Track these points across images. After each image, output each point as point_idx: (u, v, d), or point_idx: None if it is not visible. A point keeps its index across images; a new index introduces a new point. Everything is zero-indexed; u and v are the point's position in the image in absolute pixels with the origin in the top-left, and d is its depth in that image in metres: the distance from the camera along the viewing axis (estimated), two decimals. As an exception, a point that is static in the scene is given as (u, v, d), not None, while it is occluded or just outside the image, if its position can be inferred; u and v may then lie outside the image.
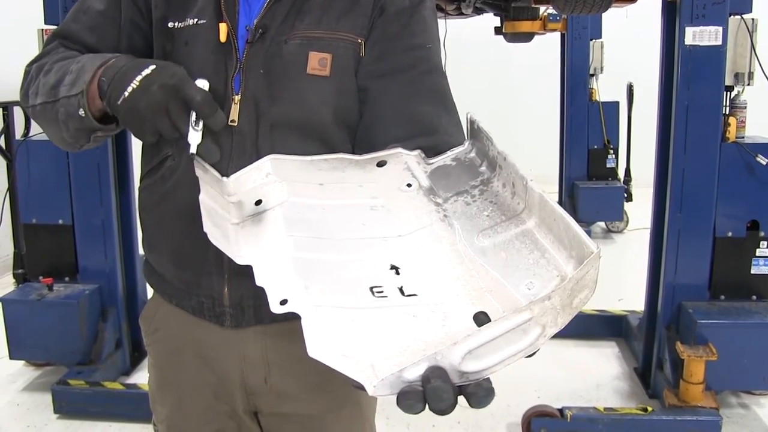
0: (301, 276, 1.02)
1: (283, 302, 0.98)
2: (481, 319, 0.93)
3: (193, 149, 1.15)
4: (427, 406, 0.77)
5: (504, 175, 1.10)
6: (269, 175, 1.15)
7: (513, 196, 1.07)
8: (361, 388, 0.81)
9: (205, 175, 1.14)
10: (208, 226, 1.13)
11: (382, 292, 1.00)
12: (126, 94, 1.13)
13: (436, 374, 0.77)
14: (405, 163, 1.18)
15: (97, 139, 1.28)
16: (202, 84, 1.17)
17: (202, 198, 1.15)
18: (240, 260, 1.11)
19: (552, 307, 0.80)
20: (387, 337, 0.91)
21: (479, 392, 0.77)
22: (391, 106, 1.28)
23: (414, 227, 1.13)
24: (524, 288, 0.94)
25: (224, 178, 1.09)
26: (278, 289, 1.00)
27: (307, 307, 0.96)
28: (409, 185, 1.17)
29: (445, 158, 1.19)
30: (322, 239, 1.11)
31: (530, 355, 0.82)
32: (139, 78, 1.14)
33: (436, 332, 0.92)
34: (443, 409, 0.76)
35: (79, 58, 1.25)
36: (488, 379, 0.79)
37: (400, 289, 1.00)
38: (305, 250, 1.08)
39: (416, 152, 1.18)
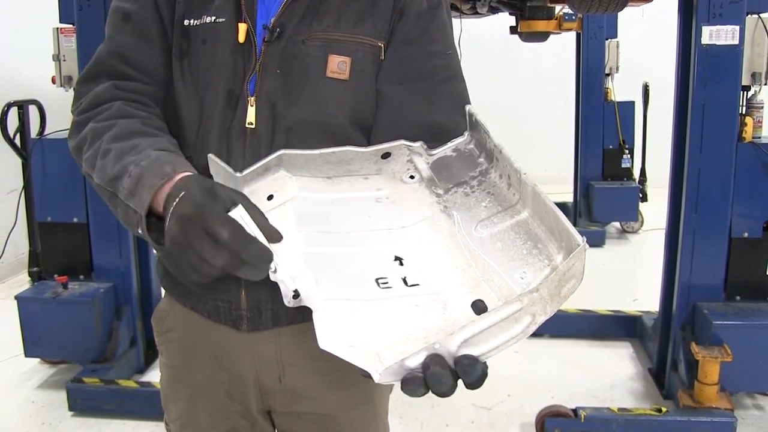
0: (311, 270, 1.08)
1: (296, 296, 1.04)
2: (478, 306, 1.01)
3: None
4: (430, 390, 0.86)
5: (500, 167, 1.15)
6: (280, 170, 1.18)
7: (509, 187, 1.13)
8: (367, 376, 0.89)
9: (219, 172, 1.15)
10: None
11: (387, 283, 1.07)
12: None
13: (435, 361, 0.86)
14: (408, 154, 1.21)
15: None
16: (237, 213, 0.98)
17: None
18: None
19: (540, 298, 0.89)
20: (391, 326, 0.99)
21: (464, 360, 0.86)
22: (410, 114, 1.27)
23: (416, 218, 1.18)
24: (518, 277, 1.02)
25: (237, 174, 1.12)
26: (291, 283, 1.05)
27: (317, 300, 1.03)
28: (412, 177, 1.22)
29: (446, 149, 1.23)
30: (330, 233, 1.16)
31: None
32: (171, 211, 1.02)
33: (437, 320, 1.00)
34: (444, 391, 0.85)
35: (140, 158, 1.13)
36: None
37: (404, 280, 1.08)
38: (315, 244, 1.13)
39: (418, 143, 1.21)
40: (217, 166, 1.15)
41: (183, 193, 1.02)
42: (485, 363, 0.88)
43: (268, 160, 1.15)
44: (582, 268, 0.92)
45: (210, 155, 1.15)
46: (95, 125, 1.23)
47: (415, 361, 0.87)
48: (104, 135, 1.20)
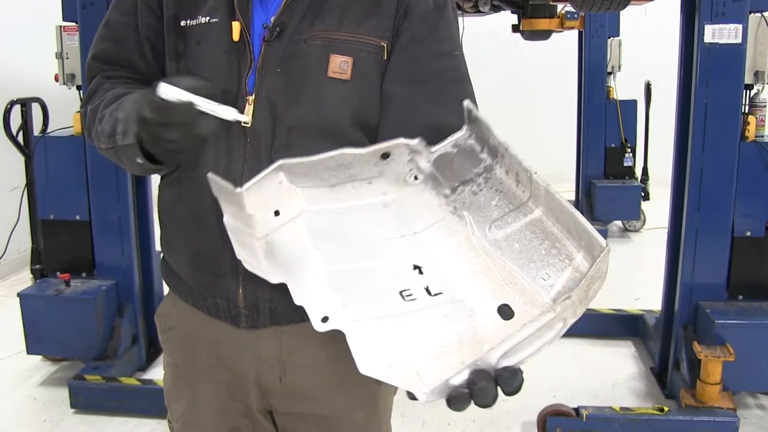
0: (336, 291, 1.07)
1: (324, 320, 1.04)
2: (505, 311, 1.02)
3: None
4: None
5: (506, 163, 1.13)
6: (282, 182, 1.14)
7: (517, 184, 1.11)
8: (412, 397, 0.92)
9: (221, 191, 1.11)
10: (238, 251, 1.15)
11: (411, 295, 1.07)
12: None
13: (480, 377, 0.91)
14: (408, 153, 1.17)
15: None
16: (164, 91, 1.04)
17: (226, 219, 1.15)
18: (273, 279, 1.13)
19: (572, 303, 0.92)
20: (424, 340, 1.00)
21: (505, 373, 0.92)
22: (417, 116, 1.25)
23: (428, 222, 1.16)
24: (540, 279, 1.02)
25: (238, 189, 1.07)
26: (317, 307, 1.05)
27: (348, 323, 1.02)
28: (416, 178, 1.19)
29: (446, 145, 1.18)
30: (346, 247, 1.14)
31: None
32: None
33: (467, 329, 1.01)
34: (488, 402, 0.90)
35: (124, 103, 1.24)
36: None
37: (427, 289, 1.08)
38: (334, 262, 1.12)
39: (417, 140, 1.15)
40: (217, 184, 1.10)
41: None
42: (521, 370, 0.93)
43: (267, 171, 1.10)
44: (606, 268, 0.94)
45: (209, 174, 1.09)
46: (92, 107, 1.32)
47: (459, 379, 0.91)
48: (98, 108, 1.31)
